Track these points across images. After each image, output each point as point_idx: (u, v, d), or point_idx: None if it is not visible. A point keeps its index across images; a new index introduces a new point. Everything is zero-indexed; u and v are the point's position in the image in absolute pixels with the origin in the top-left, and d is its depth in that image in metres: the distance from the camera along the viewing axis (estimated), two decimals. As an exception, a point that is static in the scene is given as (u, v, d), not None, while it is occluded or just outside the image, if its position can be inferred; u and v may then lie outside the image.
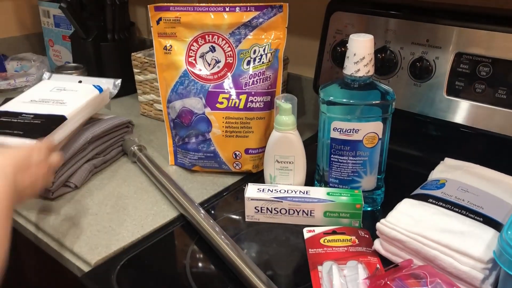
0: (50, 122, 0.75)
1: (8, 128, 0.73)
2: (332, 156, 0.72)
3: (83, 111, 0.81)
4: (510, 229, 0.51)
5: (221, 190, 0.81)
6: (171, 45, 0.82)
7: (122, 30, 1.20)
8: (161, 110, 1.03)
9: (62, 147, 0.77)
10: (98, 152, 0.85)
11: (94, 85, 0.87)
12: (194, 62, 0.82)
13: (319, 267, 0.62)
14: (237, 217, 0.74)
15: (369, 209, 0.75)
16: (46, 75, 0.94)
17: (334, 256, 0.63)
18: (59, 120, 0.76)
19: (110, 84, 0.91)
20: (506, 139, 0.75)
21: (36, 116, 0.77)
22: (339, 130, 0.70)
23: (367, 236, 0.68)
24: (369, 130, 0.69)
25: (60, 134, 0.75)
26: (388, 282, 0.54)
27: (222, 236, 0.64)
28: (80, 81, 0.91)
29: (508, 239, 0.48)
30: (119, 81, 0.92)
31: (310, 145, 0.81)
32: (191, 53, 0.82)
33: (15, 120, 0.76)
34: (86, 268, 0.64)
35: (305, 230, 0.70)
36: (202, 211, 0.70)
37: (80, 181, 0.80)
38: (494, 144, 0.78)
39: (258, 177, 0.84)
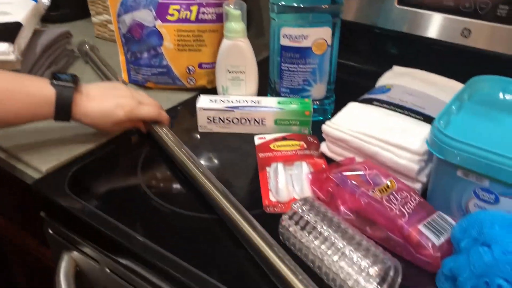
0: (11, 28, 0.75)
1: None
2: (282, 65, 0.73)
3: (30, 20, 0.82)
4: (443, 118, 0.53)
5: (175, 105, 0.81)
6: (118, -45, 0.79)
7: None
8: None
9: (23, 56, 0.77)
10: (51, 61, 0.86)
11: None
12: (142, -28, 0.79)
13: (267, 168, 0.64)
14: (191, 129, 0.74)
15: (320, 118, 0.76)
16: None
17: (282, 158, 0.65)
18: (17, 26, 0.76)
19: None
20: (452, 46, 0.77)
21: None
22: (288, 36, 0.70)
23: (315, 142, 0.70)
24: (318, 36, 0.69)
25: (23, 39, 0.75)
26: (329, 175, 0.57)
27: (183, 150, 0.64)
28: None
29: (439, 127, 0.51)
30: None
31: (266, 64, 0.80)
32: (139, -38, 0.79)
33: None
34: (38, 176, 0.64)
35: (256, 137, 0.71)
36: (158, 127, 0.70)
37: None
38: (442, 52, 0.80)
39: (213, 93, 0.84)
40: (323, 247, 0.47)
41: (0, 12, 0.80)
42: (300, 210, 0.50)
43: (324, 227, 0.48)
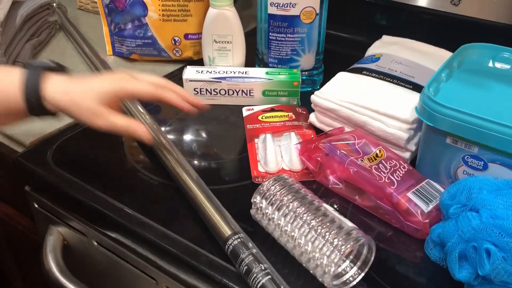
0: None
1: None
2: (270, 34, 0.71)
3: None
4: (432, 86, 0.53)
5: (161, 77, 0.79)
6: None
7: None
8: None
9: (2, 27, 0.74)
10: (32, 33, 0.83)
11: None
12: None
13: (256, 139, 0.63)
14: (177, 100, 0.73)
15: (309, 89, 0.75)
16: None
17: (270, 130, 0.65)
18: None
19: None
20: (442, 15, 0.76)
21: None
22: (276, 5, 0.68)
23: (304, 112, 0.69)
24: (306, 4, 0.68)
25: (2, 10, 0.73)
26: (318, 145, 0.56)
27: (159, 134, 0.60)
28: None
29: (428, 94, 0.50)
30: None
31: (253, 36, 0.79)
32: None
33: None
34: (21, 150, 0.63)
35: (244, 109, 0.70)
36: (139, 107, 0.66)
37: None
38: (431, 20, 0.79)
39: (199, 64, 0.82)
40: (294, 224, 0.45)
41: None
42: (272, 188, 0.48)
43: (296, 204, 0.46)
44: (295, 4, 0.67)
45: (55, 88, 0.50)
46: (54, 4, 0.92)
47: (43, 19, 0.89)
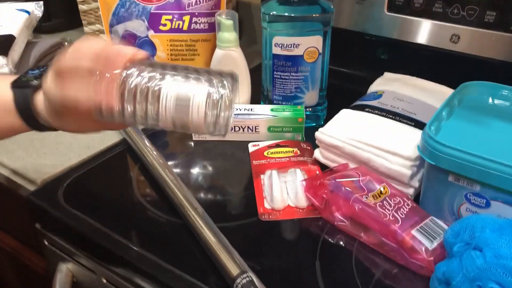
0: (4, 41, 0.76)
1: None
2: (275, 73, 0.73)
3: (23, 32, 0.82)
4: (433, 124, 0.54)
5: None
6: (109, -34, 0.79)
7: (63, -41, 1.15)
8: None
9: (16, 68, 0.77)
10: None
11: (17, 9, 0.86)
12: (134, -17, 0.80)
13: (262, 176, 0.64)
14: (185, 137, 0.75)
15: (313, 125, 0.77)
16: None
17: (276, 165, 0.66)
18: (9, 39, 0.76)
19: (33, 7, 0.91)
20: (442, 52, 0.78)
21: None
22: (280, 45, 0.70)
23: (309, 148, 0.70)
24: (310, 45, 0.70)
25: (16, 51, 0.75)
26: (323, 182, 0.57)
27: (166, 170, 0.62)
28: None
29: (430, 133, 0.51)
30: (41, 3, 0.93)
31: (258, 71, 0.81)
32: (131, -27, 0.79)
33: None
34: (33, 188, 0.64)
35: (250, 145, 0.72)
36: (147, 142, 0.68)
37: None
38: (431, 57, 0.81)
39: (206, 100, 0.85)
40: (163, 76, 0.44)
41: (-8, 24, 0.80)
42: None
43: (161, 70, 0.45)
44: (299, 45, 0.70)
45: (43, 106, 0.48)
46: (66, 42, 0.96)
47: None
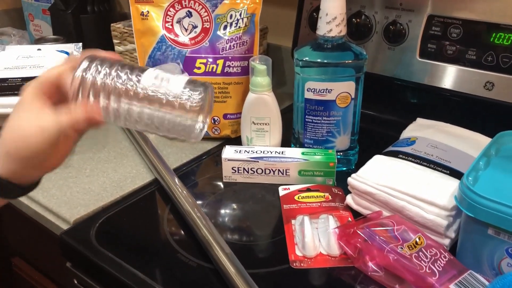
0: None
1: (2, 90, 0.77)
2: (306, 117, 0.74)
3: None
4: (471, 175, 0.53)
5: (200, 154, 0.82)
6: (148, 11, 0.82)
7: (102, 2, 1.20)
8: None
9: None
10: None
11: (58, 50, 0.89)
12: (171, 27, 0.82)
13: (293, 221, 0.64)
14: (215, 178, 0.75)
15: (344, 169, 0.77)
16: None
17: (307, 211, 0.65)
18: None
19: (72, 48, 0.95)
20: (475, 99, 0.77)
21: (24, 79, 0.81)
22: (312, 90, 0.71)
23: (340, 193, 0.70)
24: (342, 90, 0.70)
25: None
26: (357, 231, 0.56)
27: (195, 208, 0.63)
28: (39, 49, 0.93)
29: (468, 184, 0.50)
30: (80, 45, 0.96)
31: (289, 113, 0.82)
32: (168, 18, 0.82)
33: (6, 84, 0.79)
34: (65, 227, 0.65)
35: (280, 188, 0.71)
36: (177, 181, 0.69)
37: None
38: (464, 104, 0.80)
39: (237, 142, 0.85)
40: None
41: (34, 65, 0.84)
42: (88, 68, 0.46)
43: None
44: (331, 90, 0.70)
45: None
46: None
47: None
